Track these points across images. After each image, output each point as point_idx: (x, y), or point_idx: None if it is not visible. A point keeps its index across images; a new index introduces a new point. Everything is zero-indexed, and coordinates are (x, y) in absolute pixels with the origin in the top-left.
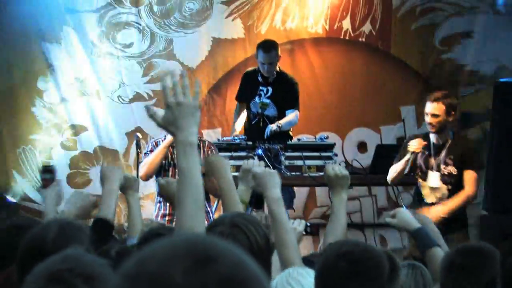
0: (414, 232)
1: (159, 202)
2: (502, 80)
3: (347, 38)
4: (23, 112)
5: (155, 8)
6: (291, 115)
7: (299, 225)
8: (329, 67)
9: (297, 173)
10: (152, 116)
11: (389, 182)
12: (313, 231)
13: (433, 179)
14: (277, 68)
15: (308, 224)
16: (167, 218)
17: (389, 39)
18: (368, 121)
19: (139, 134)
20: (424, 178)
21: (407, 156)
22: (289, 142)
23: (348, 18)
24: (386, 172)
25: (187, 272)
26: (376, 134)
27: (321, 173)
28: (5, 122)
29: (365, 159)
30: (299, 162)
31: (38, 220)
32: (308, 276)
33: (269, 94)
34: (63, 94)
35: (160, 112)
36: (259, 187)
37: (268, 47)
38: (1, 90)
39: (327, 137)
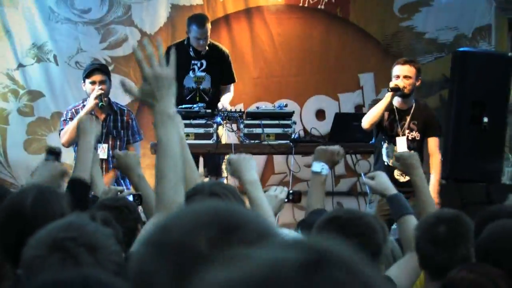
0: (390, 197)
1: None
2: (460, 49)
3: (306, 5)
4: None
5: None
6: (229, 93)
7: (281, 192)
8: (288, 35)
9: (256, 141)
10: (128, 90)
11: (366, 126)
12: (295, 198)
13: (401, 144)
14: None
15: (291, 191)
16: None
17: (348, 7)
18: (326, 88)
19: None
20: (390, 141)
21: (387, 95)
22: (248, 110)
23: None
24: (344, 140)
25: (211, 240)
26: (334, 102)
27: (280, 141)
28: None
29: (324, 127)
30: (258, 130)
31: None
32: None
33: (203, 67)
34: (20, 60)
35: (134, 86)
36: (236, 173)
37: (202, 22)
38: None
39: (286, 105)
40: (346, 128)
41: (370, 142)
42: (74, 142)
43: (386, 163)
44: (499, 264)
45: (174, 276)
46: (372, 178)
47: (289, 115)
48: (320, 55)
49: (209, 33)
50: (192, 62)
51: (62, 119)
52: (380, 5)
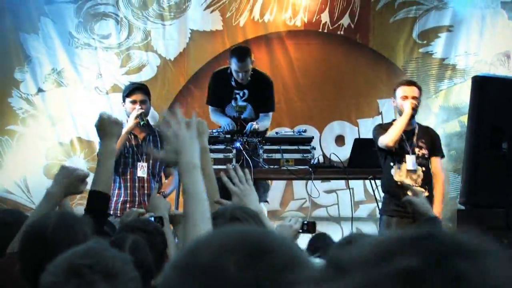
0: (429, 219)
1: (118, 188)
2: (480, 74)
3: (325, 31)
4: None
5: None
6: (266, 119)
7: (296, 223)
8: (307, 60)
9: (275, 166)
10: (153, 155)
11: (391, 144)
12: (309, 228)
13: (410, 161)
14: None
15: (305, 221)
16: (128, 205)
17: (368, 32)
18: (346, 114)
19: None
20: (400, 161)
21: (407, 113)
22: (267, 135)
23: (326, 11)
24: (364, 166)
25: (241, 265)
26: (353, 127)
27: (299, 166)
28: None
29: (343, 152)
30: (277, 155)
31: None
32: None
33: (245, 96)
34: (40, 85)
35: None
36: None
37: (242, 56)
38: None
39: (305, 130)
40: (365, 153)
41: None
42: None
43: (398, 183)
44: None
45: None
46: (416, 196)
47: (308, 141)
48: (340, 81)
49: (250, 67)
50: (235, 91)
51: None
52: (399, 31)
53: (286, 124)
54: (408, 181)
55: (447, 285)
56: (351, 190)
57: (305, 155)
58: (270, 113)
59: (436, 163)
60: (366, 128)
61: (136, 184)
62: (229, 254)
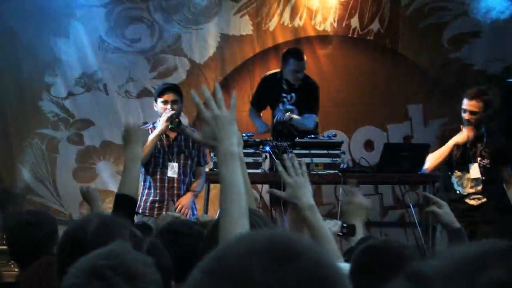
0: (454, 231)
1: (148, 188)
2: (510, 80)
3: (355, 36)
4: (30, 106)
5: (163, 3)
6: (308, 119)
7: (335, 225)
8: (336, 65)
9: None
10: (188, 134)
11: (428, 170)
12: (349, 231)
13: (474, 170)
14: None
15: (345, 224)
16: (157, 205)
17: (397, 38)
18: (375, 119)
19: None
20: (462, 169)
21: (450, 144)
22: (297, 139)
23: (356, 16)
24: (393, 171)
25: (267, 269)
26: (383, 133)
27: (329, 171)
28: (12, 116)
29: (372, 157)
30: (307, 160)
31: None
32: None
33: (293, 100)
34: (71, 89)
35: (193, 132)
36: (293, 198)
37: (300, 54)
38: (9, 84)
39: (335, 135)
40: (395, 158)
41: (420, 172)
42: (144, 163)
43: (458, 192)
44: None
45: None
46: (439, 206)
47: (338, 145)
48: (369, 86)
49: (305, 67)
50: (283, 95)
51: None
52: (429, 37)
53: None
54: (468, 189)
55: None
56: (379, 195)
57: (334, 159)
58: (314, 116)
59: (506, 173)
60: (395, 133)
61: (166, 184)
62: (256, 258)
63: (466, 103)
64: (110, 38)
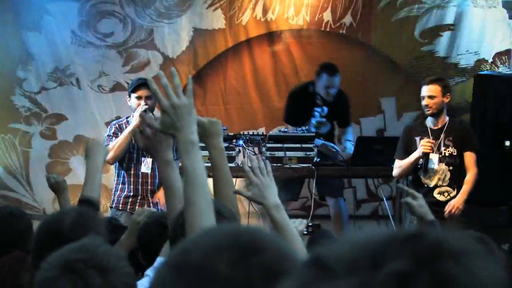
0: (428, 223)
1: (122, 183)
2: (481, 72)
3: (328, 30)
4: (2, 101)
5: None
6: (350, 133)
7: (300, 224)
8: (309, 59)
9: (278, 164)
10: (148, 124)
11: (397, 177)
12: (314, 230)
13: (433, 161)
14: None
15: (310, 223)
16: (130, 200)
17: (370, 31)
18: None
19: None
20: (426, 161)
21: (417, 155)
22: (271, 133)
23: (329, 10)
24: (366, 164)
25: (232, 264)
26: (356, 126)
27: (302, 165)
28: None
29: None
30: (280, 153)
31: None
32: None
33: (324, 113)
34: (43, 83)
35: (154, 120)
36: (259, 198)
37: (333, 70)
38: None
39: (308, 129)
40: (368, 151)
41: (393, 165)
42: (119, 158)
43: (426, 185)
44: None
45: None
46: (413, 198)
47: (311, 139)
48: (342, 79)
49: (338, 84)
50: (315, 109)
51: (106, 134)
52: (401, 30)
53: None
54: (435, 182)
55: (436, 287)
56: (353, 188)
57: (308, 153)
58: (350, 128)
59: (468, 159)
60: (368, 126)
61: (140, 180)
62: (220, 253)
63: (424, 89)
64: (83, 32)
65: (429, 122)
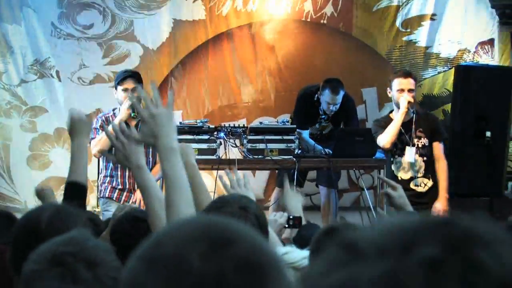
0: (408, 213)
1: (110, 176)
2: (463, 63)
3: (308, 20)
4: None
5: None
6: None
7: (281, 217)
8: (290, 50)
9: (259, 156)
10: (129, 136)
11: (387, 146)
12: (295, 224)
13: (410, 154)
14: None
15: (291, 216)
16: (117, 191)
17: (351, 21)
18: None
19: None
20: (400, 154)
21: (400, 115)
22: (252, 125)
23: (309, 0)
24: (347, 156)
25: (204, 256)
26: None
27: (283, 157)
28: None
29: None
30: (261, 146)
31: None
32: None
33: (329, 118)
34: (23, 76)
35: (135, 130)
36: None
37: (337, 88)
38: None
39: (289, 121)
40: (349, 143)
41: (373, 157)
42: (105, 152)
43: (399, 177)
44: None
45: None
46: (393, 188)
47: (292, 130)
48: (323, 70)
49: (340, 100)
50: (322, 116)
51: (92, 127)
52: (382, 20)
53: (270, 114)
54: (410, 173)
55: (466, 273)
56: None
57: (289, 145)
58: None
59: (437, 149)
60: None
61: (127, 173)
62: (192, 245)
63: (402, 82)
64: (62, 24)
65: (395, 114)
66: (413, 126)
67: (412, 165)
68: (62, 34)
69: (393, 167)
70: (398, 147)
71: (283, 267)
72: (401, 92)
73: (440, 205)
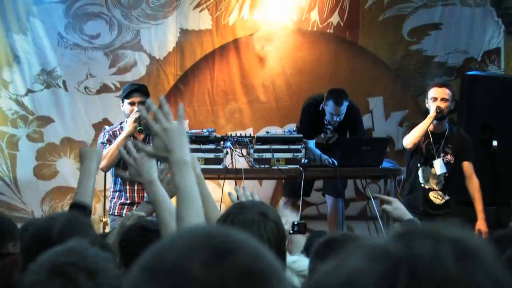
0: (406, 222)
1: (119, 191)
2: (469, 73)
3: (315, 29)
4: None
5: None
6: None
7: (286, 223)
8: (296, 59)
9: (266, 166)
10: (140, 149)
11: (409, 146)
12: (300, 229)
13: (438, 165)
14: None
15: (296, 222)
16: (126, 207)
17: (357, 31)
18: None
19: (106, 126)
20: (426, 163)
21: (431, 116)
22: (258, 134)
23: (316, 9)
24: (354, 165)
25: (206, 265)
26: None
27: (290, 166)
28: None
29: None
30: (268, 155)
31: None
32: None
33: (335, 127)
34: (30, 86)
35: (147, 145)
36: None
37: (340, 100)
38: None
39: (296, 130)
40: (355, 152)
41: (380, 166)
42: (112, 166)
43: (422, 185)
44: None
45: None
46: (388, 203)
47: (299, 140)
48: (329, 79)
49: (344, 111)
50: (327, 126)
51: (99, 141)
52: (389, 29)
53: (276, 123)
54: (429, 185)
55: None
56: None
57: (295, 154)
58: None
59: (469, 168)
60: None
61: (135, 187)
62: (194, 255)
63: (436, 91)
64: (69, 34)
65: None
66: (443, 141)
67: (435, 176)
68: (69, 44)
69: (419, 173)
70: (424, 156)
71: (284, 275)
72: (434, 100)
73: (481, 224)
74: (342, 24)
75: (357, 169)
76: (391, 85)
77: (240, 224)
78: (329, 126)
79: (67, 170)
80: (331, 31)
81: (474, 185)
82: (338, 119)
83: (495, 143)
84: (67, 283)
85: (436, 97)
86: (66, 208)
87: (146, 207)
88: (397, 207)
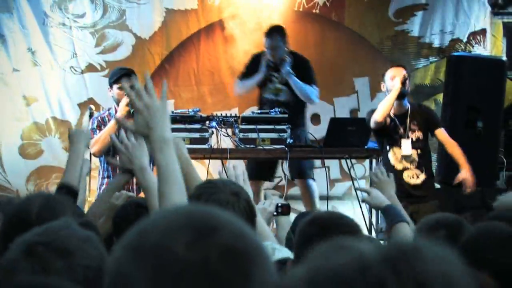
0: (385, 208)
1: (107, 177)
2: (455, 53)
3: (300, 9)
4: None
5: None
6: (308, 87)
7: (270, 205)
8: None
9: (251, 146)
10: (123, 125)
11: (380, 119)
12: (284, 211)
13: (406, 146)
14: (286, 50)
15: (279, 204)
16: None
17: (343, 11)
18: (321, 93)
19: (92, 106)
20: (395, 145)
21: (397, 88)
22: (244, 114)
23: None
24: (339, 145)
25: (189, 244)
26: (329, 106)
27: (275, 146)
28: None
29: (319, 132)
30: (253, 135)
31: None
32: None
33: (283, 80)
34: (15, 65)
35: (130, 122)
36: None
37: (270, 32)
38: None
39: (281, 110)
40: (341, 132)
41: (365, 146)
42: (104, 151)
43: (394, 167)
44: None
45: (151, 279)
46: (368, 194)
47: (284, 120)
48: (315, 60)
49: (280, 44)
50: (271, 72)
51: (89, 128)
52: (375, 9)
53: None
54: (403, 165)
55: None
56: (326, 168)
57: (281, 134)
58: (315, 86)
59: (441, 134)
60: (341, 107)
61: None
62: (177, 234)
63: (394, 70)
64: (55, 13)
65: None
66: (407, 119)
67: (406, 157)
68: (54, 23)
69: (389, 157)
70: (393, 138)
71: (267, 254)
72: (393, 78)
73: (465, 173)
74: (328, 5)
75: (342, 149)
76: (377, 65)
77: (215, 204)
78: (274, 73)
79: (52, 149)
80: (317, 11)
81: (452, 146)
82: (279, 53)
83: (480, 124)
84: (37, 263)
85: (395, 75)
86: (51, 188)
87: (119, 178)
88: (375, 195)
